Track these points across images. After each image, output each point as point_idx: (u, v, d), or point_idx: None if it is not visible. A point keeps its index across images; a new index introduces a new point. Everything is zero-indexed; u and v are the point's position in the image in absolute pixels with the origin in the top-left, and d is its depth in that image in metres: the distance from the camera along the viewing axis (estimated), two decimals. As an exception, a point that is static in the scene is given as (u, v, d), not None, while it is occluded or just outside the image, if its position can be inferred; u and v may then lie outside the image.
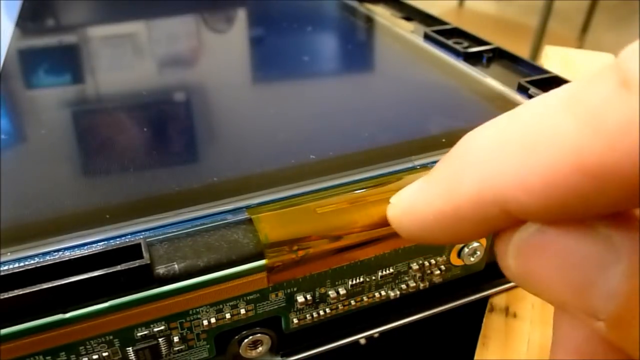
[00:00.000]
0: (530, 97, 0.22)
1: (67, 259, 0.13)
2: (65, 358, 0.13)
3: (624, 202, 0.08)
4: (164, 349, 0.14)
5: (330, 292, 0.16)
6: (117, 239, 0.14)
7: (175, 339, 0.14)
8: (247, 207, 0.16)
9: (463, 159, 0.10)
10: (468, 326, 0.19)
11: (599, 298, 0.08)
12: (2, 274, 0.12)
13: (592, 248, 0.09)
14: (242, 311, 0.15)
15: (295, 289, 0.15)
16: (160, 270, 0.13)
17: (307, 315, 0.16)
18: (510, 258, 0.10)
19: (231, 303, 0.15)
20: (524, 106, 0.09)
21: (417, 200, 0.11)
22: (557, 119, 0.08)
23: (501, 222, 0.09)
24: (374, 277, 0.16)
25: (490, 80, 0.24)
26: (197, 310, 0.14)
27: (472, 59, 0.26)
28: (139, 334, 0.14)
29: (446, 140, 0.19)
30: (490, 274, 0.19)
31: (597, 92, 0.08)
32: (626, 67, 0.08)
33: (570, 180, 0.08)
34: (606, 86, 0.08)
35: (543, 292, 0.09)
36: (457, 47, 0.27)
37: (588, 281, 0.09)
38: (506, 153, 0.09)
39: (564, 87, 0.09)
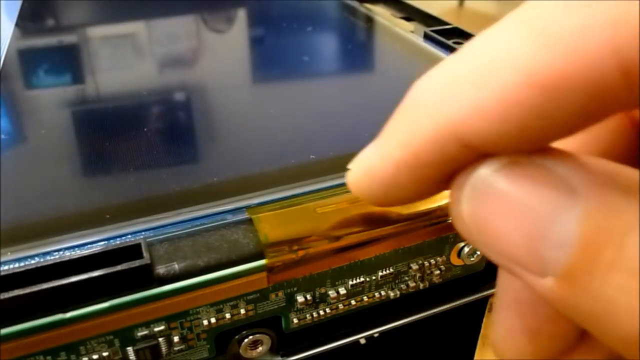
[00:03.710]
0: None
1: (67, 259, 0.13)
2: (66, 358, 0.13)
3: (583, 115, 0.08)
4: (164, 349, 0.14)
5: (330, 292, 0.16)
6: (117, 239, 0.14)
7: (176, 338, 0.14)
8: (247, 207, 0.16)
9: (415, 104, 0.09)
10: (468, 326, 0.19)
11: (551, 246, 0.08)
12: (2, 274, 0.12)
13: (549, 191, 0.08)
14: (242, 311, 0.15)
15: (295, 289, 0.15)
16: (161, 270, 0.13)
17: (307, 315, 0.16)
18: (463, 203, 0.09)
19: (231, 303, 0.15)
20: (471, 40, 0.09)
21: (375, 158, 0.11)
22: (507, 38, 0.08)
23: (462, 160, 0.09)
24: (374, 277, 0.16)
25: (490, 80, 0.24)
26: (197, 310, 0.14)
27: (472, 59, 0.26)
28: (139, 334, 0.14)
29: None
30: (490, 274, 0.19)
31: (545, 5, 0.08)
32: None
33: (525, 97, 0.08)
34: None
35: (493, 245, 0.09)
36: (457, 47, 0.27)
37: (541, 228, 0.08)
38: (459, 83, 0.08)
39: (513, 11, 0.08)
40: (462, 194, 0.09)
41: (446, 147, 0.09)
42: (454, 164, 0.09)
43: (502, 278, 0.11)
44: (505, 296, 0.11)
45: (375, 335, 0.18)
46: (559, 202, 0.08)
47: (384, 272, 0.16)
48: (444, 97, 0.09)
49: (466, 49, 0.09)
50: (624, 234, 0.07)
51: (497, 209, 0.09)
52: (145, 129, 0.20)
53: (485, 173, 0.09)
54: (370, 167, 0.11)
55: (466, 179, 0.09)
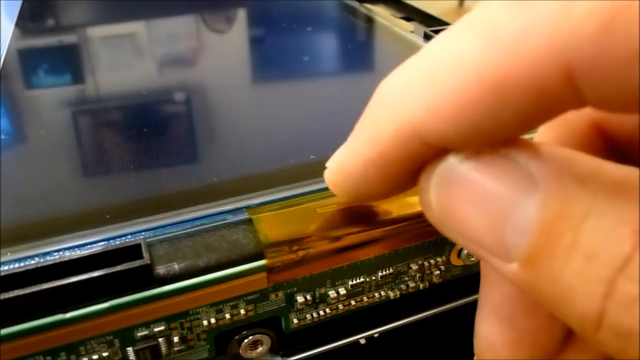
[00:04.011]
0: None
1: (67, 259, 0.13)
2: (66, 358, 0.13)
3: (531, 114, 0.08)
4: (164, 349, 0.14)
5: (330, 292, 0.16)
6: (117, 239, 0.14)
7: (175, 339, 0.14)
8: (247, 207, 0.16)
9: (379, 104, 0.10)
10: (468, 326, 0.19)
11: (513, 232, 0.08)
12: (2, 274, 0.12)
13: (511, 179, 0.08)
14: (242, 311, 0.15)
15: (295, 289, 0.15)
16: (161, 270, 0.13)
17: (307, 316, 0.16)
18: (431, 192, 0.10)
19: (231, 303, 0.15)
20: (430, 41, 0.09)
21: (346, 156, 0.11)
22: (458, 41, 0.08)
23: (425, 157, 0.09)
24: (373, 278, 0.16)
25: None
26: (197, 310, 0.14)
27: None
28: (139, 334, 0.14)
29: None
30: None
31: (492, 7, 0.08)
32: None
33: (475, 96, 0.08)
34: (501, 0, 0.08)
35: (461, 231, 0.09)
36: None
37: (503, 214, 0.08)
38: (416, 85, 0.09)
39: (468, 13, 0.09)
40: (430, 183, 0.10)
41: (408, 145, 0.09)
42: (418, 160, 0.10)
43: (482, 290, 0.11)
44: (486, 308, 0.11)
45: (375, 335, 0.18)
46: (519, 190, 0.08)
47: (384, 273, 0.16)
48: (403, 97, 0.09)
49: (424, 50, 0.09)
50: (580, 221, 0.08)
51: (462, 196, 0.09)
52: (145, 129, 0.20)
53: (452, 162, 0.09)
54: (342, 165, 0.12)
55: (434, 168, 0.10)
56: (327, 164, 0.13)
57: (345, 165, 0.11)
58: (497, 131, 0.08)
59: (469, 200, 0.09)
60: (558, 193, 0.08)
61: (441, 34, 0.09)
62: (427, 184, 0.10)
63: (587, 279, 0.07)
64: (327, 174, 0.12)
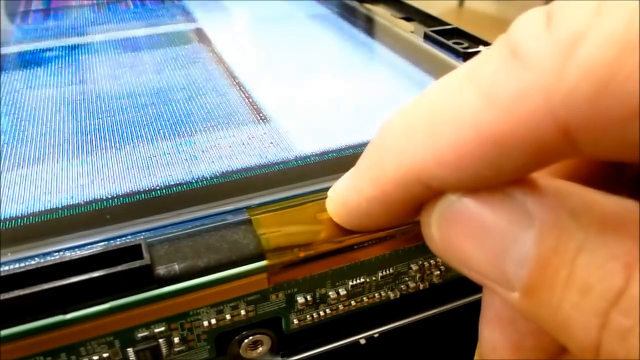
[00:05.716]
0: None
1: (67, 259, 0.13)
2: (66, 359, 0.13)
3: (529, 165, 0.08)
4: (164, 350, 0.14)
5: (330, 293, 0.16)
6: (118, 239, 0.14)
7: (176, 339, 0.14)
8: (247, 208, 0.16)
9: (382, 146, 0.10)
10: (468, 326, 0.19)
11: (512, 264, 0.09)
12: (3, 274, 0.12)
13: (508, 214, 0.09)
14: (243, 312, 0.15)
15: (295, 290, 0.15)
16: (161, 270, 0.13)
17: (308, 316, 0.16)
18: (433, 227, 0.10)
19: (232, 304, 0.15)
20: (430, 86, 0.10)
21: (349, 191, 0.12)
22: (457, 94, 0.09)
23: (425, 197, 0.10)
24: (374, 278, 0.16)
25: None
26: (198, 311, 0.14)
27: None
28: (139, 335, 0.14)
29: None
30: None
31: (491, 64, 0.08)
32: (515, 38, 0.08)
33: (475, 149, 0.08)
34: (498, 58, 0.08)
35: (464, 263, 0.10)
36: (457, 47, 0.27)
37: (503, 247, 0.09)
38: (416, 133, 0.09)
39: (466, 63, 0.09)
40: (431, 219, 0.10)
41: (410, 187, 0.10)
42: (420, 198, 0.10)
43: (485, 295, 0.12)
44: (488, 313, 0.11)
45: (375, 335, 0.18)
46: (516, 225, 0.09)
47: (384, 273, 0.16)
48: (403, 143, 0.10)
49: (424, 95, 0.10)
50: (574, 256, 0.08)
51: (462, 231, 0.10)
52: (145, 129, 0.20)
53: (451, 199, 0.10)
54: (346, 200, 0.12)
55: (434, 205, 0.10)
56: (329, 194, 0.13)
57: (349, 200, 0.12)
58: (496, 178, 0.09)
59: (469, 235, 0.09)
60: (553, 228, 0.08)
61: (441, 80, 0.09)
62: (428, 220, 0.10)
63: (583, 311, 0.08)
64: (330, 206, 0.13)
